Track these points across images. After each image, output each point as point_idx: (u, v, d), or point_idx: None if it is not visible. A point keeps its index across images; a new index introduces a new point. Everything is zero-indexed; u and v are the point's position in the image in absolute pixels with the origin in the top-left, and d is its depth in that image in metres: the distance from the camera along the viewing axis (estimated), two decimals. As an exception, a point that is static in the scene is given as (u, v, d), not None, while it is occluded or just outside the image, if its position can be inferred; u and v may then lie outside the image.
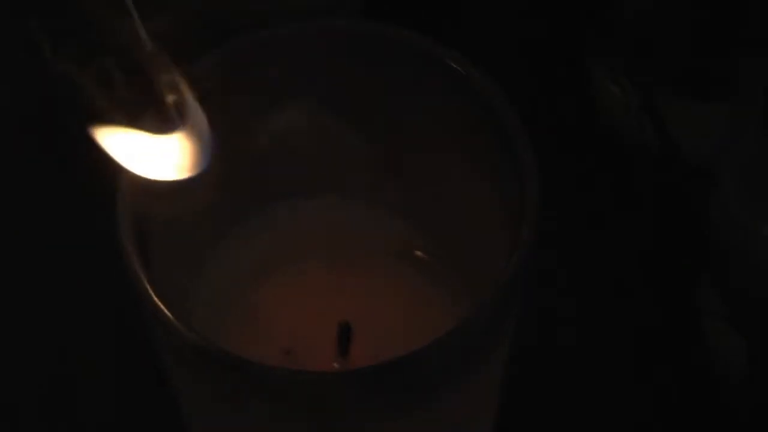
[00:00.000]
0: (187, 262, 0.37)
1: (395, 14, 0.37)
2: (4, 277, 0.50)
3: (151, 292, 0.33)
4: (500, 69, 0.37)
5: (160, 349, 0.36)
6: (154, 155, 0.33)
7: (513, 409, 0.43)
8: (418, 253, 0.41)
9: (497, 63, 0.37)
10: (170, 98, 0.33)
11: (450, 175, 0.39)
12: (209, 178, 0.37)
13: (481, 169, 0.38)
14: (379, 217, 0.39)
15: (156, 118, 0.33)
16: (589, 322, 0.48)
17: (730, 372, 0.46)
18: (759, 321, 0.45)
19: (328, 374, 0.33)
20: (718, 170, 0.45)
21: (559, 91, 0.53)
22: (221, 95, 0.36)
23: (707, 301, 0.47)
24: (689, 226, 0.48)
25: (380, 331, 0.39)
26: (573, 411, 0.47)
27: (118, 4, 0.32)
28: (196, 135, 0.34)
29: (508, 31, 0.54)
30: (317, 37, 0.38)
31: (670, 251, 0.49)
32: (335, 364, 0.39)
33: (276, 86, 0.38)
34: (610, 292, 0.49)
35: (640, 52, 0.49)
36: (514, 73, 0.52)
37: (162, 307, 0.33)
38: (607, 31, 0.51)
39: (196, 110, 0.34)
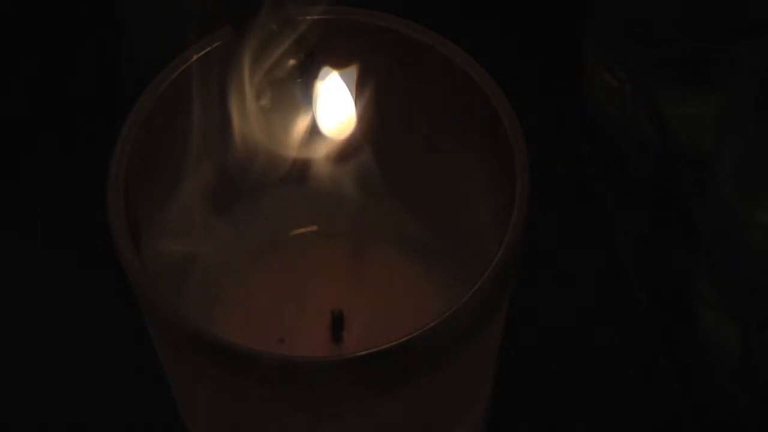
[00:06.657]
0: (179, 249, 0.38)
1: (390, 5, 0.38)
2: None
3: (143, 280, 0.33)
4: (492, 57, 0.37)
5: (154, 337, 0.36)
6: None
7: (506, 393, 0.43)
8: (412, 240, 0.41)
9: (488, 50, 0.37)
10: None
11: (444, 163, 0.39)
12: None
13: (474, 159, 0.38)
14: (373, 204, 0.39)
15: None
16: (583, 312, 0.48)
17: (725, 360, 0.46)
18: (753, 309, 0.45)
19: (320, 361, 0.33)
20: (713, 158, 0.45)
21: (552, 78, 0.53)
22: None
23: (702, 289, 0.47)
24: (684, 215, 0.48)
25: (373, 318, 0.39)
26: (566, 399, 0.47)
27: None
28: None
29: (500, 17, 0.54)
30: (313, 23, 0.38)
31: (664, 239, 0.49)
32: (328, 352, 0.39)
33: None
34: (603, 281, 0.49)
35: (636, 40, 0.49)
36: (507, 61, 0.52)
37: (155, 294, 0.33)
38: (602, 18, 0.51)
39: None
